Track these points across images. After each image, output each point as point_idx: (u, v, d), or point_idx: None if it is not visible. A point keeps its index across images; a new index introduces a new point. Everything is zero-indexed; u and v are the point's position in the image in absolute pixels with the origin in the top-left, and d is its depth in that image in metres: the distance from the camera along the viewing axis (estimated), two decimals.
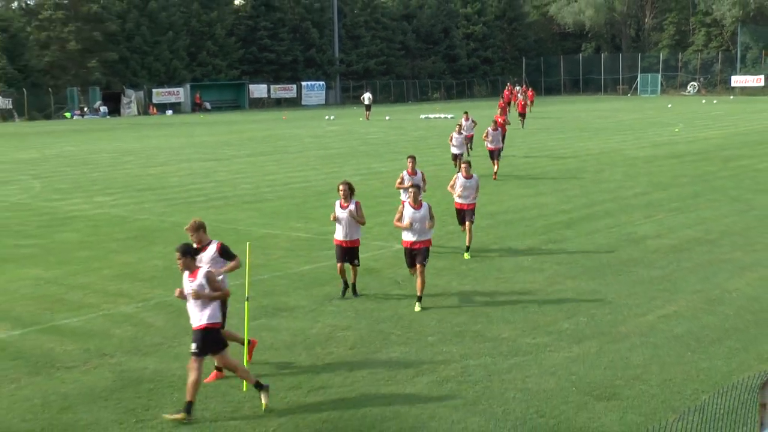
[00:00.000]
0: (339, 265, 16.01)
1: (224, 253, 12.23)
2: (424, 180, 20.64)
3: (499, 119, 36.29)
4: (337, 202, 16.23)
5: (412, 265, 15.81)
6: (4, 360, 12.83)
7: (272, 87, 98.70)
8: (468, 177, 19.52)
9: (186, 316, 14.81)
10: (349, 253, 15.98)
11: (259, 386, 10.96)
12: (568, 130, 53.30)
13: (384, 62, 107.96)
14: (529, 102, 66.39)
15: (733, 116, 64.72)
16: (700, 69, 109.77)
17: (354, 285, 16.17)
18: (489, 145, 31.94)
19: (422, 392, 11.33)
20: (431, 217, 15.45)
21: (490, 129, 32.02)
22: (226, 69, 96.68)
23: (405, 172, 20.73)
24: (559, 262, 18.47)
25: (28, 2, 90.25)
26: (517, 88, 75.26)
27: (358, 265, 16.19)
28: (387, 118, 70.42)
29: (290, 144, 48.43)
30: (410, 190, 16.06)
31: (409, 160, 20.81)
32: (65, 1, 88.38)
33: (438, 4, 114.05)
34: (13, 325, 14.57)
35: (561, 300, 15.47)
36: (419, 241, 15.48)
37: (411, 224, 15.41)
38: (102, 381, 11.98)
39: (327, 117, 73.77)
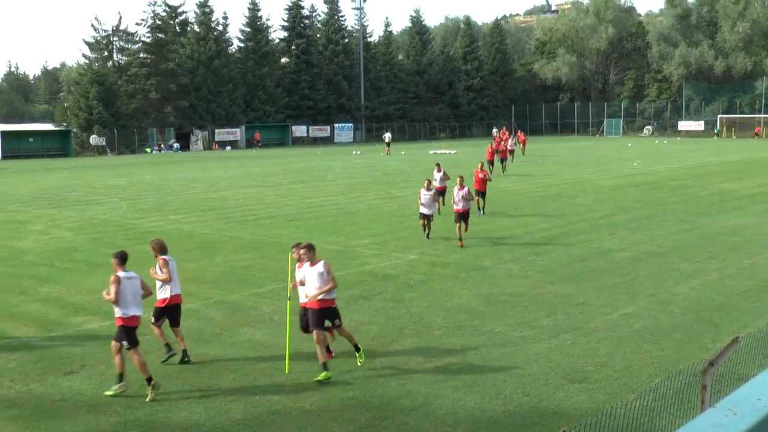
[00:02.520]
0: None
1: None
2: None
3: (479, 174, 27.66)
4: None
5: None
6: (98, 345, 12.86)
7: (310, 128, 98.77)
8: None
9: (240, 312, 14.88)
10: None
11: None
12: (548, 164, 53.15)
13: (400, 108, 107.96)
14: (521, 145, 60.62)
15: (680, 154, 64.39)
16: (654, 115, 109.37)
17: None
18: (455, 207, 22.36)
19: (430, 375, 11.28)
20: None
21: (455, 189, 22.23)
22: (274, 113, 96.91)
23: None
24: (541, 270, 18.38)
25: (120, 61, 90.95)
26: (510, 141, 54.17)
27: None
28: (402, 153, 70.35)
29: (324, 174, 48.49)
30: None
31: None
32: (148, 60, 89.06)
33: (444, 62, 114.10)
34: (105, 317, 14.60)
35: (542, 301, 15.40)
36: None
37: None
38: (173, 363, 11.98)
39: (354, 152, 73.85)
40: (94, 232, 25.83)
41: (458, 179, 22.48)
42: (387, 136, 73.25)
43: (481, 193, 27.66)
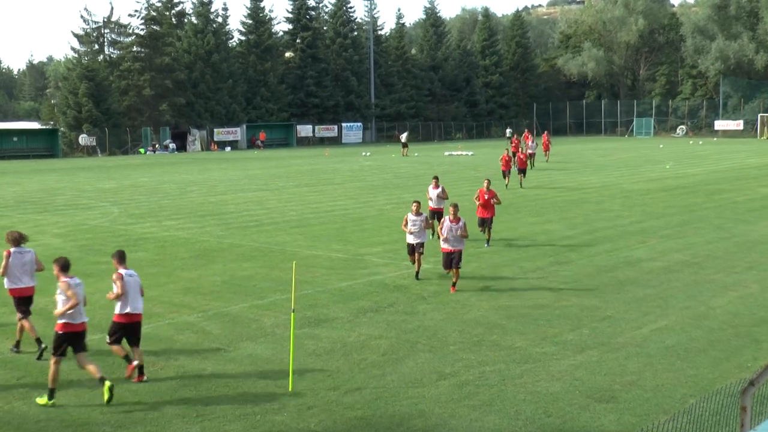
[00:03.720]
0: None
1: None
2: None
3: (484, 195, 23.08)
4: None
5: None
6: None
7: (316, 127, 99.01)
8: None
9: (240, 325, 14.89)
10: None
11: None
12: (573, 167, 53.07)
13: (413, 106, 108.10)
14: (543, 150, 57.45)
15: (716, 156, 64.18)
16: (688, 114, 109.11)
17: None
18: (443, 245, 17.89)
19: (444, 394, 11.25)
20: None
21: (446, 220, 17.95)
22: (277, 112, 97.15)
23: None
24: (564, 281, 18.33)
25: (111, 55, 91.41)
26: (530, 143, 53.35)
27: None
28: (416, 154, 70.33)
29: (331, 177, 48.54)
30: None
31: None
32: (142, 54, 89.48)
33: (461, 56, 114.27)
34: (93, 330, 14.59)
35: (566, 314, 15.35)
36: None
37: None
38: (167, 380, 12.00)
39: (363, 153, 73.91)
40: (83, 238, 25.90)
41: (451, 209, 18.09)
42: (404, 135, 72.81)
43: (487, 221, 23.13)
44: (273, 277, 19.16)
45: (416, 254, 18.58)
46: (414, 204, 18.90)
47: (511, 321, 14.96)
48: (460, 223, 17.68)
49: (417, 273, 18.69)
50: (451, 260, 17.59)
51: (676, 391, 11.20)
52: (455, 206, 18.08)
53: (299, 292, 16.16)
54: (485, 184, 23.45)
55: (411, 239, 18.77)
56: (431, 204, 23.76)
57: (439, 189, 23.79)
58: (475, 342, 13.64)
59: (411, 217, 18.80)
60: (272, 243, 24.21)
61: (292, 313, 12.11)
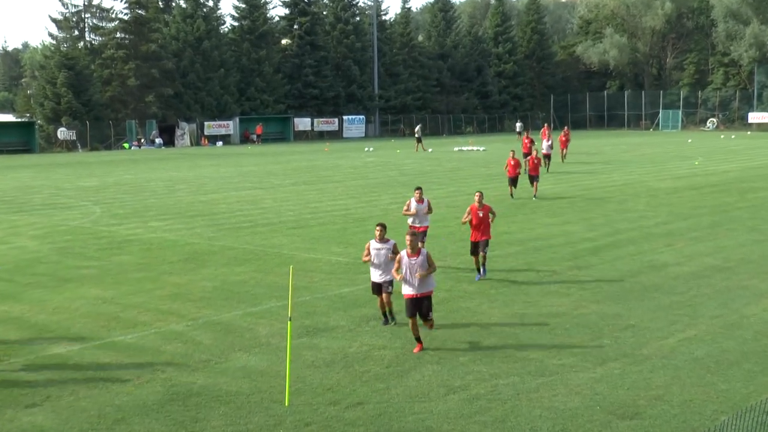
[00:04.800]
0: None
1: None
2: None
3: (478, 211, 19.19)
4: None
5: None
6: (65, 373, 12.91)
7: (315, 120, 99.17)
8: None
9: (233, 335, 14.89)
10: None
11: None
12: (593, 163, 53.03)
13: (420, 98, 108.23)
14: (561, 149, 52.94)
15: (750, 151, 64.14)
16: (719, 106, 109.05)
17: None
18: (403, 288, 14.14)
19: (453, 409, 11.24)
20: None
21: (403, 253, 14.10)
22: (273, 104, 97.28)
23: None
24: (584, 287, 18.32)
25: (93, 42, 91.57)
26: (545, 142, 47.47)
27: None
28: (430, 150, 70.13)
29: (332, 174, 48.56)
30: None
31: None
32: (126, 41, 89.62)
33: (471, 44, 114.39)
34: (73, 340, 14.66)
35: (586, 323, 15.34)
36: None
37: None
38: (153, 394, 12.00)
39: (366, 149, 73.94)
40: (61, 240, 25.93)
41: (408, 238, 14.13)
42: (418, 129, 72.94)
43: (481, 246, 19.20)
44: (268, 283, 19.17)
45: (384, 295, 15.19)
46: (377, 228, 15.21)
47: (526, 330, 14.96)
48: (420, 258, 13.92)
49: (385, 316, 15.47)
50: (419, 309, 14.00)
51: (706, 407, 11.18)
52: (412, 235, 14.19)
53: (296, 299, 16.15)
54: (476, 198, 19.42)
55: (375, 276, 15.32)
56: (412, 222, 20.67)
57: (424, 203, 20.61)
58: (487, 353, 13.63)
59: (374, 245, 15.23)
60: (267, 245, 24.22)
61: (289, 322, 12.10)
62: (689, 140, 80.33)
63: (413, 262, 13.84)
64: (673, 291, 17.81)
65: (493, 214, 19.65)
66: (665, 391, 11.78)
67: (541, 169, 37.85)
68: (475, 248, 19.18)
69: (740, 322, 15.33)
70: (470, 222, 19.27)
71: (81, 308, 17.05)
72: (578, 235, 25.17)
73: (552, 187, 38.62)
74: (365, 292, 17.83)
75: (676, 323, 15.27)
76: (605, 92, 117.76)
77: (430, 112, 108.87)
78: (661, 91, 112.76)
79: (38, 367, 13.33)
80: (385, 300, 15.28)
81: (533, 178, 34.82)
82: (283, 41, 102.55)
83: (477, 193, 19.66)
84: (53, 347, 14.41)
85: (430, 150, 69.92)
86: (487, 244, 19.24)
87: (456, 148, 71.74)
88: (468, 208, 19.56)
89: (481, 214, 19.18)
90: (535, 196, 34.14)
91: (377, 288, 15.31)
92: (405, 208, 20.88)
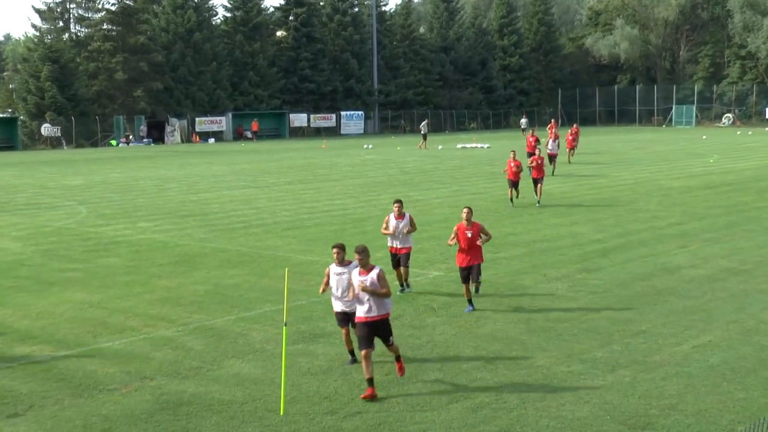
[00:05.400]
0: None
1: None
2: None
3: (466, 231, 16.79)
4: None
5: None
6: (49, 381, 12.91)
7: (312, 116, 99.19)
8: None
9: (226, 341, 14.89)
10: None
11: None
12: (603, 161, 53.03)
13: (422, 93, 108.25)
14: (567, 149, 52.04)
15: None
16: (735, 101, 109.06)
17: None
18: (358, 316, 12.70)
19: (457, 419, 11.24)
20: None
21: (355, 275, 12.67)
22: (268, 99, 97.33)
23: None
24: (593, 290, 18.32)
25: (78, 34, 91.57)
26: (550, 142, 44.85)
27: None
28: (440, 147, 70.07)
29: (329, 172, 48.57)
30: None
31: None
32: (114, 33, 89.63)
33: (475, 36, 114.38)
34: (57, 347, 14.66)
35: (595, 328, 15.34)
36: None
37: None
38: (142, 403, 12.00)
39: (365, 146, 73.98)
40: (45, 242, 25.95)
41: (357, 257, 12.73)
42: (423, 125, 72.50)
43: (473, 271, 17.00)
44: (262, 286, 19.17)
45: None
46: (334, 250, 13.35)
47: (533, 336, 14.96)
48: (371, 275, 12.51)
49: (352, 356, 13.64)
50: (376, 335, 12.55)
51: (722, 416, 11.18)
52: (362, 250, 12.66)
53: (292, 303, 16.15)
54: (464, 215, 16.94)
55: (338, 306, 13.60)
56: (391, 243, 18.35)
57: (405, 219, 18.10)
58: (492, 360, 13.63)
59: (334, 269, 13.49)
60: (262, 247, 24.22)
61: (284, 327, 12.11)
62: (704, 137, 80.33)
63: (364, 278, 12.43)
64: (687, 295, 17.80)
65: (486, 235, 17.06)
66: (679, 400, 11.77)
67: (546, 170, 35.16)
68: (467, 274, 16.92)
69: (757, 327, 15.33)
70: (458, 243, 17.01)
71: (66, 313, 17.05)
72: (587, 237, 25.17)
73: (559, 186, 38.62)
74: None
75: (690, 329, 15.27)
76: (616, 87, 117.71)
77: (432, 107, 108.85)
78: (675, 86, 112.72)
79: (21, 375, 13.33)
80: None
81: (537, 181, 32.46)
82: (278, 33, 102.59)
83: (465, 209, 17.05)
84: (36, 354, 14.41)
85: (440, 147, 69.81)
86: (479, 270, 17.09)
87: (459, 145, 71.76)
88: (454, 228, 17.23)
89: (469, 235, 16.79)
90: (538, 202, 32.19)
91: (344, 318, 13.51)
92: (384, 225, 18.25)
